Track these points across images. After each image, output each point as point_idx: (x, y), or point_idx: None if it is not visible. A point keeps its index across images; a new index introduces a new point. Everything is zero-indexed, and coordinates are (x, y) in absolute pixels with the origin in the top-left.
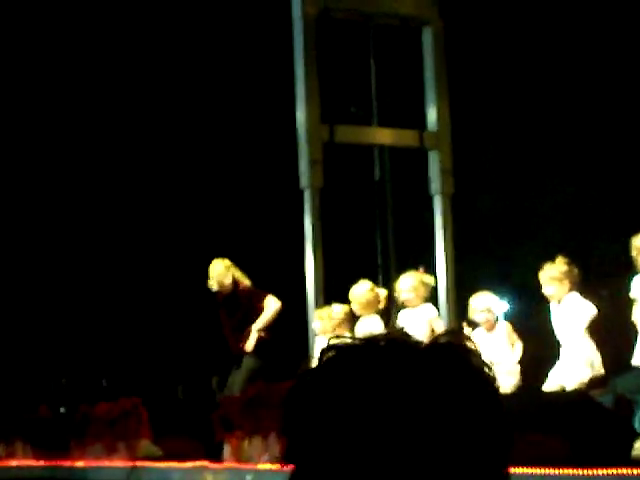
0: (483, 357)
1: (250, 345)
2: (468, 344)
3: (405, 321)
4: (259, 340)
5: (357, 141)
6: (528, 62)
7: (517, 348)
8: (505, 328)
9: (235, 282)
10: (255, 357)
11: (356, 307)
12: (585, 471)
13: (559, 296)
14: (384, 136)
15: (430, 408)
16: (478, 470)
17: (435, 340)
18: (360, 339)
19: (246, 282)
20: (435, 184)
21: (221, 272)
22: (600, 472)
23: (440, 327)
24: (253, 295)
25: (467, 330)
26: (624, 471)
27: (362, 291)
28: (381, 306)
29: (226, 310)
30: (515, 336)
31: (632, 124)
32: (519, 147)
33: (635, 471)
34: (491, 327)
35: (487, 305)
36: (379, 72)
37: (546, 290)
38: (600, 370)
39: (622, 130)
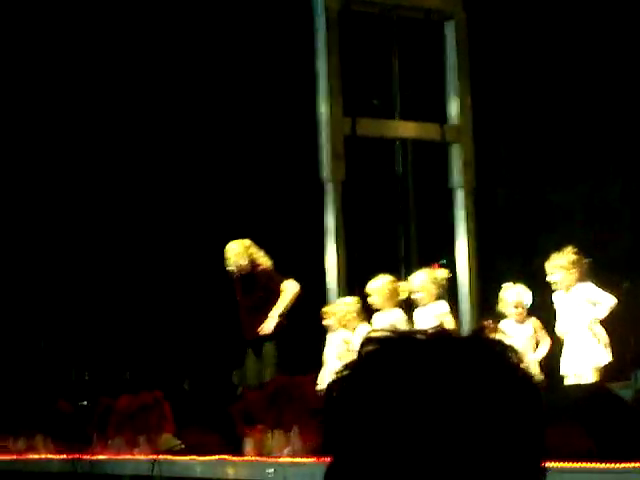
0: (518, 352)
1: (269, 328)
2: (503, 339)
3: (418, 319)
4: (278, 325)
5: (379, 134)
6: (550, 55)
7: (545, 344)
8: (534, 323)
9: (253, 263)
10: (275, 343)
11: (376, 300)
12: (608, 465)
13: (566, 284)
14: (406, 129)
15: (471, 403)
16: (517, 464)
17: (474, 335)
18: (397, 333)
19: (266, 263)
20: (456, 177)
21: (239, 251)
22: (623, 466)
23: (450, 324)
24: (272, 277)
25: (492, 325)
26: None
27: (382, 283)
28: (402, 298)
29: (242, 293)
30: (544, 332)
31: None
32: (540, 140)
33: None
34: (522, 320)
35: (519, 298)
36: (401, 65)
37: (552, 277)
38: (608, 359)
39: None
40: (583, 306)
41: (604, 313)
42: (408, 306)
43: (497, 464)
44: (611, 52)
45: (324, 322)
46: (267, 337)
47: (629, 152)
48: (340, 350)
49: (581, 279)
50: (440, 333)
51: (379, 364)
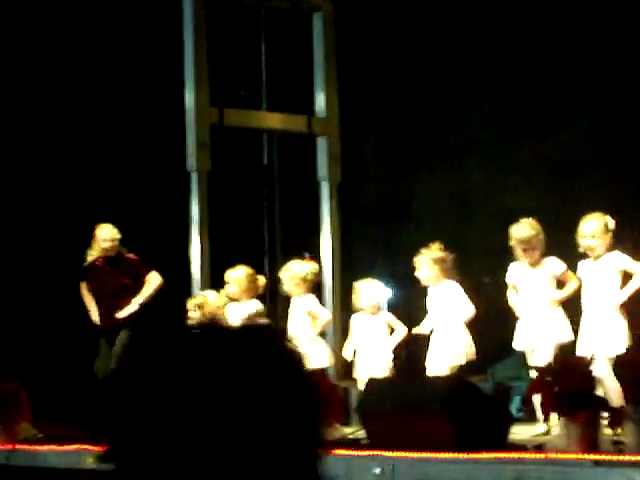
0: (292, 340)
1: (125, 314)
2: (278, 329)
3: (292, 309)
4: (136, 314)
5: (246, 125)
6: (416, 48)
7: (397, 333)
8: (387, 315)
9: (120, 249)
10: (129, 332)
11: (234, 290)
12: (467, 455)
13: (432, 280)
14: (273, 121)
15: (238, 390)
16: (289, 449)
17: (247, 325)
18: (171, 328)
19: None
20: (322, 170)
21: (111, 231)
22: (481, 456)
23: (323, 315)
24: (138, 267)
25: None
26: (502, 455)
27: (241, 274)
28: (260, 291)
29: (104, 279)
30: (398, 323)
31: (506, 107)
32: (408, 134)
33: (512, 455)
34: (375, 312)
35: (372, 290)
36: (269, 56)
37: (419, 273)
38: (472, 356)
39: (503, 117)
40: (450, 303)
41: (462, 316)
42: (274, 298)
43: (265, 449)
44: (477, 42)
45: (189, 314)
46: (123, 325)
47: (492, 147)
48: None
49: (448, 275)
50: (213, 324)
51: (144, 363)
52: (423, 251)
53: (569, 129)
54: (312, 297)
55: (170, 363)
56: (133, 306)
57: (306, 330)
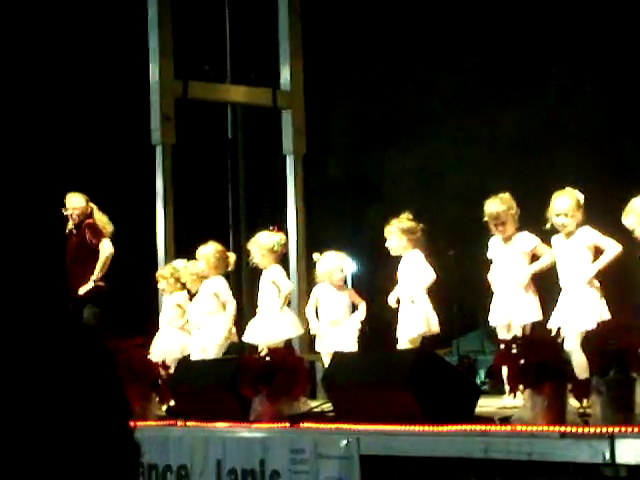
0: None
1: (83, 290)
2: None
3: (261, 282)
4: (96, 289)
5: (210, 98)
6: (381, 19)
7: (361, 308)
8: (350, 289)
9: (88, 217)
10: (93, 307)
11: (203, 267)
12: (433, 428)
13: (400, 250)
14: (237, 94)
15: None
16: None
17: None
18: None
19: (107, 227)
20: (287, 143)
21: (74, 203)
22: (447, 428)
23: (283, 286)
24: (91, 231)
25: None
26: (469, 427)
27: (210, 251)
28: (230, 268)
29: (68, 249)
30: (358, 297)
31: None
32: (370, 108)
33: (478, 427)
34: (340, 287)
35: (341, 264)
36: (234, 28)
37: (388, 243)
38: (435, 328)
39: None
40: (414, 274)
41: (424, 284)
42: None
43: (69, 430)
44: (444, 14)
45: (158, 285)
46: (85, 301)
47: (462, 121)
48: (172, 314)
49: (416, 246)
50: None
51: None
52: (392, 221)
53: (533, 103)
54: (277, 267)
55: None
56: (89, 284)
57: (274, 301)
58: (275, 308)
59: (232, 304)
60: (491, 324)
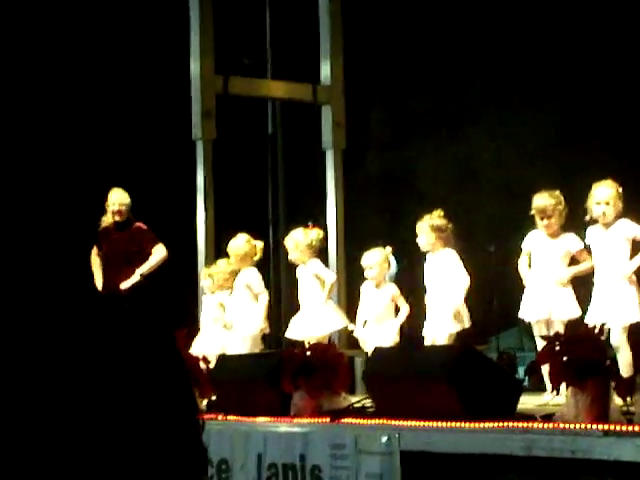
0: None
1: (127, 284)
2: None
3: (300, 277)
4: (138, 284)
5: (251, 93)
6: (423, 16)
7: (402, 311)
8: (393, 288)
9: (131, 215)
10: (131, 303)
11: (233, 260)
12: (474, 424)
13: (429, 247)
14: (278, 89)
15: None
16: (165, 423)
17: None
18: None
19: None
20: (327, 138)
21: (124, 198)
22: (488, 425)
23: (328, 278)
24: (146, 236)
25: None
26: (510, 424)
27: (239, 244)
28: (257, 258)
29: (113, 243)
30: (402, 299)
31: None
32: (409, 103)
33: (520, 424)
34: (380, 284)
35: (379, 260)
36: (274, 24)
37: (419, 240)
38: (468, 324)
39: (507, 97)
40: (444, 273)
41: (459, 283)
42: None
43: (142, 425)
44: (484, 11)
45: (202, 283)
46: (125, 296)
47: (500, 117)
48: (216, 313)
49: (446, 244)
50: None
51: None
52: (424, 217)
53: (571, 98)
54: (317, 261)
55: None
56: (135, 277)
57: (317, 295)
58: (320, 301)
59: (265, 295)
60: (525, 319)
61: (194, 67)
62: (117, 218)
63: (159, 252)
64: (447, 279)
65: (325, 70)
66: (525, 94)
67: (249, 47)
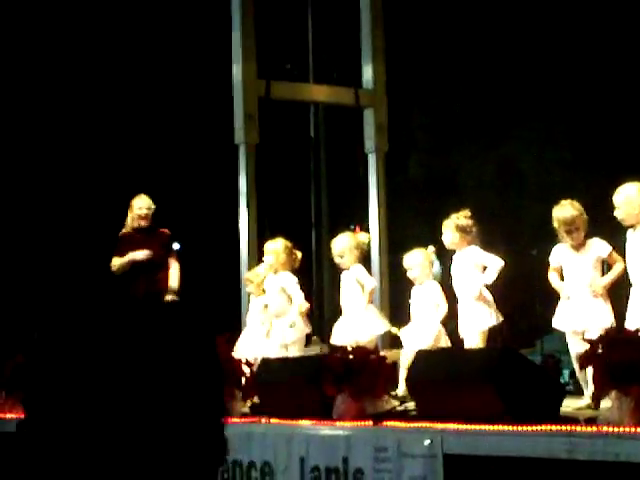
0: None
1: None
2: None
3: (343, 282)
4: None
5: (293, 97)
6: (464, 21)
7: (441, 309)
8: (434, 287)
9: (152, 223)
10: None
11: (271, 261)
12: (517, 427)
13: (453, 246)
14: (320, 93)
15: (142, 363)
16: (193, 418)
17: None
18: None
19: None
20: (370, 142)
21: (149, 203)
22: (531, 428)
23: (368, 284)
24: (168, 242)
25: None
26: (554, 427)
27: (279, 247)
28: (296, 266)
29: (135, 249)
30: (442, 298)
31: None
32: (455, 106)
33: (564, 427)
34: (422, 284)
35: (420, 261)
36: (316, 29)
37: (443, 237)
38: (500, 319)
39: (550, 95)
40: (472, 270)
41: (492, 276)
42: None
43: (171, 423)
44: (522, 20)
45: (247, 289)
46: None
47: (543, 123)
48: (261, 316)
49: (470, 242)
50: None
51: (63, 337)
52: (451, 216)
53: (614, 103)
54: (359, 266)
55: (83, 339)
56: (172, 295)
57: (358, 300)
58: (361, 306)
59: (300, 297)
60: (559, 329)
61: (236, 71)
62: (143, 223)
63: (175, 263)
64: (473, 276)
65: (367, 73)
66: (567, 97)
67: (291, 51)
